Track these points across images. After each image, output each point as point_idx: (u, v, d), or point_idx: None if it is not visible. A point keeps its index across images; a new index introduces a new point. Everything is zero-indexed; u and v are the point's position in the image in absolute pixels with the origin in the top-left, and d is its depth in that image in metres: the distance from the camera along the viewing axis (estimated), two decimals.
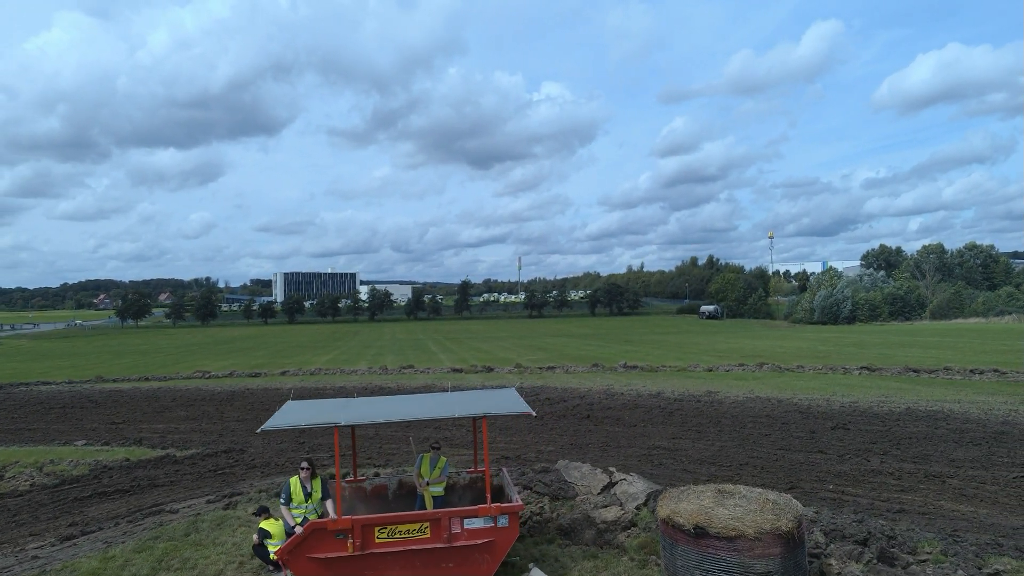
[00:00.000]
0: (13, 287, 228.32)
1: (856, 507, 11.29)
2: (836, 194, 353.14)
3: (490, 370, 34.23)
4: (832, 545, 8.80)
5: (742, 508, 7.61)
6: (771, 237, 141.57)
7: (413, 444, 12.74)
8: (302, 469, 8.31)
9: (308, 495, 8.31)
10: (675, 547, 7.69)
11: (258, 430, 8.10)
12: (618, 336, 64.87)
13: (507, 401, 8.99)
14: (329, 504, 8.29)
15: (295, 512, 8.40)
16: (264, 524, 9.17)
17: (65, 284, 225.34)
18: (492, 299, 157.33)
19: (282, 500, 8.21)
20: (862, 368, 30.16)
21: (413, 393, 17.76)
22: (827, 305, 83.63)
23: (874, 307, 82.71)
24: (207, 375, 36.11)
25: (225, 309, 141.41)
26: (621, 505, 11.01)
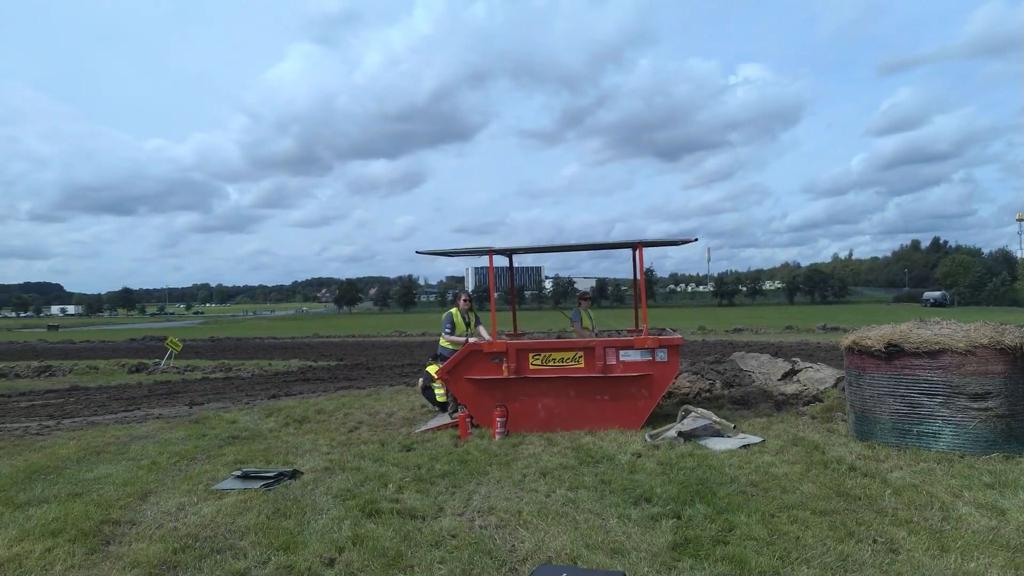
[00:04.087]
0: (256, 285, 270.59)
1: None
2: None
3: (674, 331, 32.95)
4: None
5: (949, 329, 6.39)
6: (1020, 220, 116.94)
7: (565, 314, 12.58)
8: (463, 300, 8.54)
9: (468, 324, 8.53)
10: (862, 377, 6.68)
11: (416, 251, 8.46)
12: (819, 320, 59.18)
13: (667, 238, 8.49)
14: (483, 330, 8.42)
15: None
16: (430, 368, 9.61)
17: (296, 281, 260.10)
18: (678, 289, 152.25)
19: (447, 330, 8.50)
20: None
21: None
22: None
23: None
24: (403, 335, 39.21)
25: (423, 300, 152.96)
26: (804, 386, 9.90)
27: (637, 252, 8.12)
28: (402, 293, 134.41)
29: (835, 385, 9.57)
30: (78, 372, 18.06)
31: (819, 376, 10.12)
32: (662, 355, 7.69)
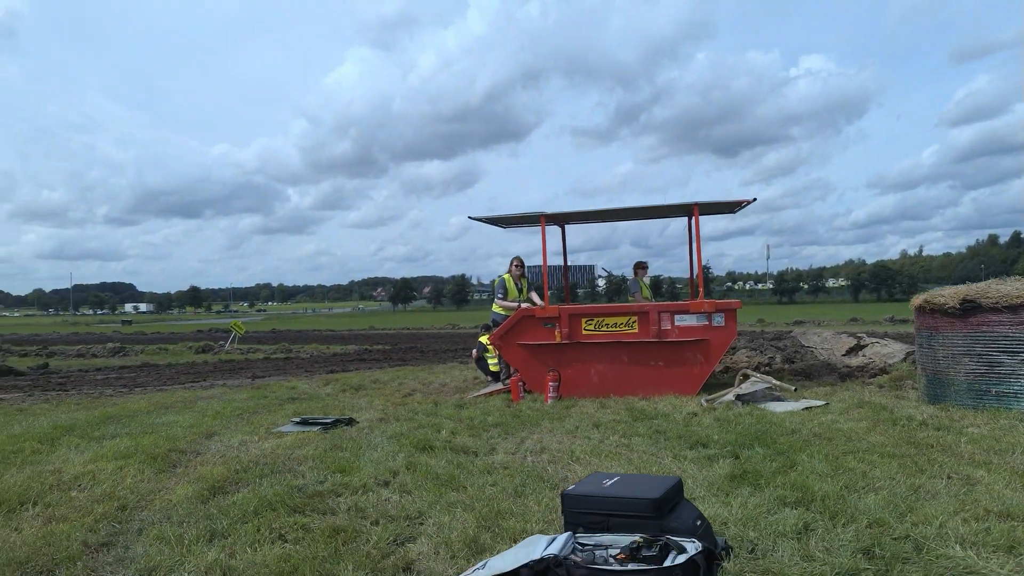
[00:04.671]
0: (315, 284, 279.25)
1: None
2: None
3: None
4: None
5: None
6: None
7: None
8: (515, 266, 8.53)
9: (520, 290, 8.53)
10: (934, 338, 6.34)
11: (469, 216, 8.48)
12: (886, 314, 56.65)
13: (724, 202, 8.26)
14: (535, 295, 8.40)
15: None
16: (483, 338, 9.65)
17: (352, 281, 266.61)
18: (736, 287, 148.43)
19: (499, 295, 8.53)
20: None
21: None
22: None
23: None
24: (456, 327, 39.58)
25: (476, 298, 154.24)
26: (870, 360, 9.50)
27: (693, 216, 7.94)
28: (455, 291, 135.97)
29: (904, 359, 9.14)
30: (149, 352, 18.95)
31: (887, 351, 9.70)
32: (719, 320, 7.49)
